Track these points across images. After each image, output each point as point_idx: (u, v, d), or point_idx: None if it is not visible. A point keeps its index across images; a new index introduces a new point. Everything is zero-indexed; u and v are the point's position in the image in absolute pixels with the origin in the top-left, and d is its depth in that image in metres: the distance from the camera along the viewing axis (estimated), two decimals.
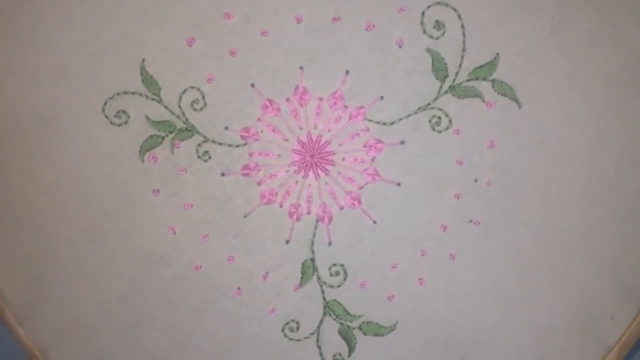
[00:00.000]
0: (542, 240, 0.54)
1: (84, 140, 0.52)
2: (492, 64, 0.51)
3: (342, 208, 0.54)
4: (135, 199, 0.53)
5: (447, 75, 0.51)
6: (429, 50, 0.51)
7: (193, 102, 0.52)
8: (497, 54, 0.51)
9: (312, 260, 0.54)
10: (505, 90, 0.52)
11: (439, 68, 0.51)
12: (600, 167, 0.53)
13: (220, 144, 0.53)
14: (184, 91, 0.52)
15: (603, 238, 0.53)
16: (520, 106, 0.52)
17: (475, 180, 0.53)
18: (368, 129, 0.53)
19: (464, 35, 0.51)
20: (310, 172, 0.54)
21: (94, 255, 0.54)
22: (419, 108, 0.52)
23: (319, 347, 0.56)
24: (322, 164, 0.54)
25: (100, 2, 0.51)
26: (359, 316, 0.55)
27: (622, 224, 0.53)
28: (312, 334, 0.56)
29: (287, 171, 0.54)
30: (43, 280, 0.54)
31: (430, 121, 0.52)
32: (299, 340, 0.56)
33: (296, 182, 0.54)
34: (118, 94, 0.51)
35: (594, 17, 0.51)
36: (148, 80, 0.51)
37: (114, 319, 0.55)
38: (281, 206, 0.54)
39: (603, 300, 0.54)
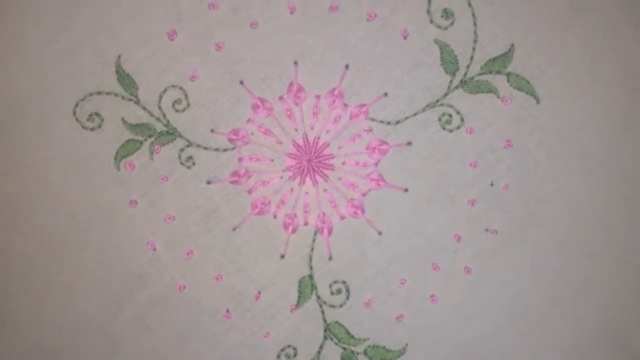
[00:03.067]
0: (565, 247, 0.49)
1: (52, 146, 0.48)
2: (506, 56, 0.48)
3: (343, 218, 0.49)
4: (110, 211, 0.48)
5: (457, 69, 0.47)
6: (436, 41, 0.47)
7: (175, 103, 0.47)
8: (512, 44, 0.47)
9: (311, 277, 0.49)
10: (521, 84, 0.48)
11: (448, 60, 0.47)
12: (625, 165, 0.49)
13: (205, 148, 0.48)
14: (165, 90, 0.47)
15: (630, 242, 0.49)
16: (538, 101, 0.48)
17: (491, 184, 0.48)
18: (371, 129, 0.48)
19: (475, 24, 0.47)
20: (308, 178, 0.49)
21: (64, 275, 0.48)
22: (427, 105, 0.48)
23: None
24: (321, 168, 0.49)
25: None
26: (364, 339, 0.50)
27: None
28: None
29: (282, 177, 0.48)
30: (4, 302, 0.48)
31: (439, 119, 0.48)
32: None
33: (291, 189, 0.49)
34: (91, 95, 0.47)
35: (615, 3, 0.47)
36: (124, 78, 0.47)
37: (86, 344, 0.49)
38: (275, 217, 0.48)
39: (633, 312, 0.49)
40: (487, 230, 0.49)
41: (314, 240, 0.49)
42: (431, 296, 0.50)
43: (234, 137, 0.48)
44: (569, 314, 0.50)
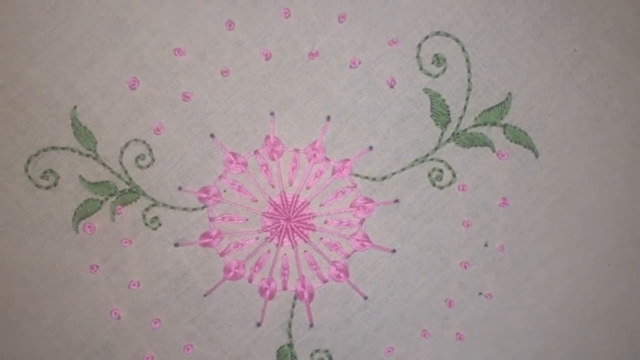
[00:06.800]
0: (563, 312, 0.47)
1: (3, 208, 0.44)
2: (503, 106, 0.44)
3: (325, 282, 0.45)
4: (69, 277, 0.45)
5: (449, 121, 0.44)
6: (427, 90, 0.44)
7: (138, 158, 0.44)
8: (509, 93, 0.44)
9: (290, 346, 0.45)
10: (519, 137, 0.44)
11: (439, 112, 0.43)
12: (631, 226, 0.46)
13: (172, 207, 0.44)
14: (126, 145, 0.44)
15: (633, 308, 0.46)
16: (537, 155, 0.45)
17: (486, 245, 0.45)
18: (355, 186, 0.44)
19: (469, 71, 0.44)
20: (286, 239, 0.45)
21: (20, 348, 0.45)
22: (416, 160, 0.44)
23: None
24: (300, 228, 0.44)
25: (19, 39, 0.42)
26: None
27: None
28: None
29: (257, 238, 0.44)
30: None
31: (429, 175, 0.44)
32: None
33: (268, 251, 0.45)
34: (45, 150, 0.43)
35: (623, 49, 0.43)
36: (81, 132, 0.43)
37: None
38: (250, 281, 0.45)
39: None
40: (480, 294, 0.46)
41: (293, 306, 0.45)
42: None
43: (204, 195, 0.44)
44: None
